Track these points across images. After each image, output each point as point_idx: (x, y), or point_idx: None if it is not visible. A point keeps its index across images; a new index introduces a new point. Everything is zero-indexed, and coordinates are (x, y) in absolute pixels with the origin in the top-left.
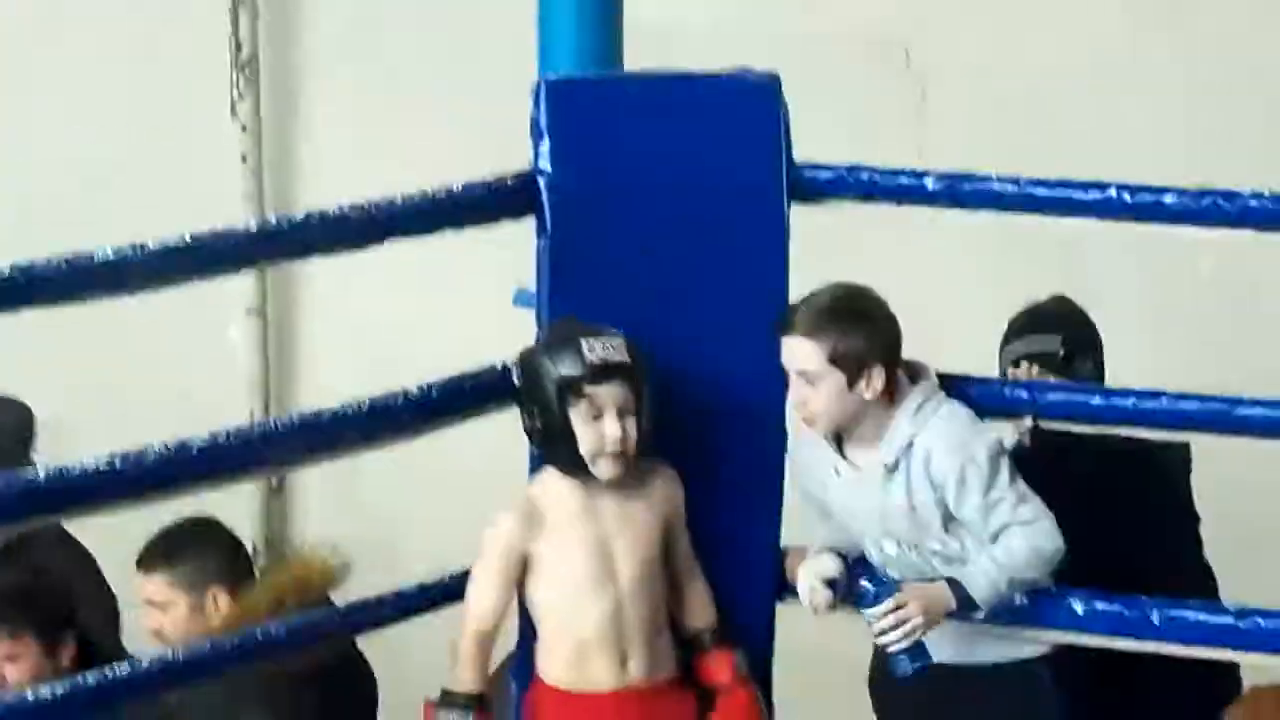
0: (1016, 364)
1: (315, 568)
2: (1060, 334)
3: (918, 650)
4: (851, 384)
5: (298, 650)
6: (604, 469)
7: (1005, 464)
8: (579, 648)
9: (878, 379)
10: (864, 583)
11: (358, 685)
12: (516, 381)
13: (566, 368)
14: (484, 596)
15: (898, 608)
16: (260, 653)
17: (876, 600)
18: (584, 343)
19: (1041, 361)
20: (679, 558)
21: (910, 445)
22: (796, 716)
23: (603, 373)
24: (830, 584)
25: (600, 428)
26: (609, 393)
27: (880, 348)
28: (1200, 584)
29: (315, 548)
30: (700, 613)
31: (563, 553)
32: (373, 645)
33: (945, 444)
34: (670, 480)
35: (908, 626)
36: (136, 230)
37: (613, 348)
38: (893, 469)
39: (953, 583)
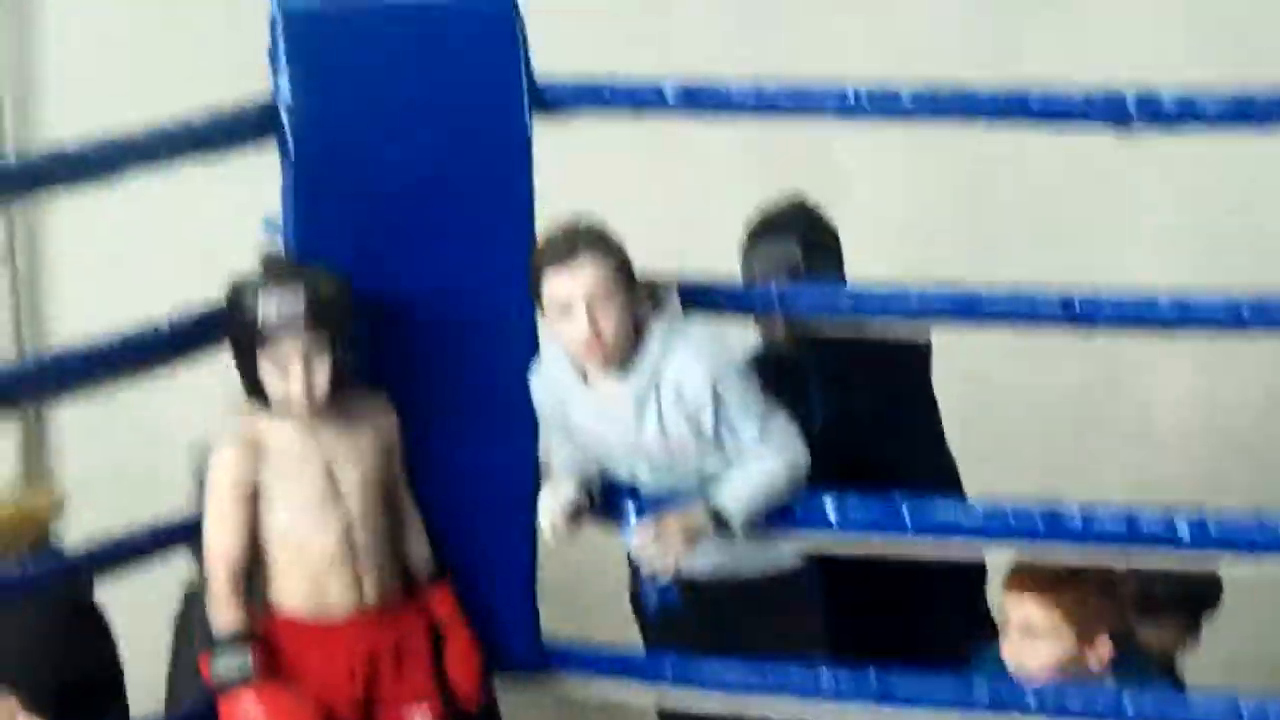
0: (752, 271)
1: (27, 506)
2: (794, 236)
3: (667, 586)
4: (631, 305)
5: (27, 592)
6: (297, 413)
7: (754, 381)
8: (314, 572)
9: (644, 297)
10: (629, 512)
11: (97, 636)
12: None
13: (250, 319)
14: (223, 534)
15: (658, 531)
16: None
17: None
18: (263, 297)
19: (779, 266)
20: (397, 488)
21: (659, 373)
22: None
23: (282, 327)
24: (574, 512)
25: (286, 380)
26: (292, 344)
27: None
28: (943, 474)
29: (28, 485)
30: (416, 545)
31: (289, 478)
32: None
33: (696, 369)
34: (385, 408)
35: (670, 546)
36: None
37: (292, 298)
38: (643, 400)
39: (707, 505)
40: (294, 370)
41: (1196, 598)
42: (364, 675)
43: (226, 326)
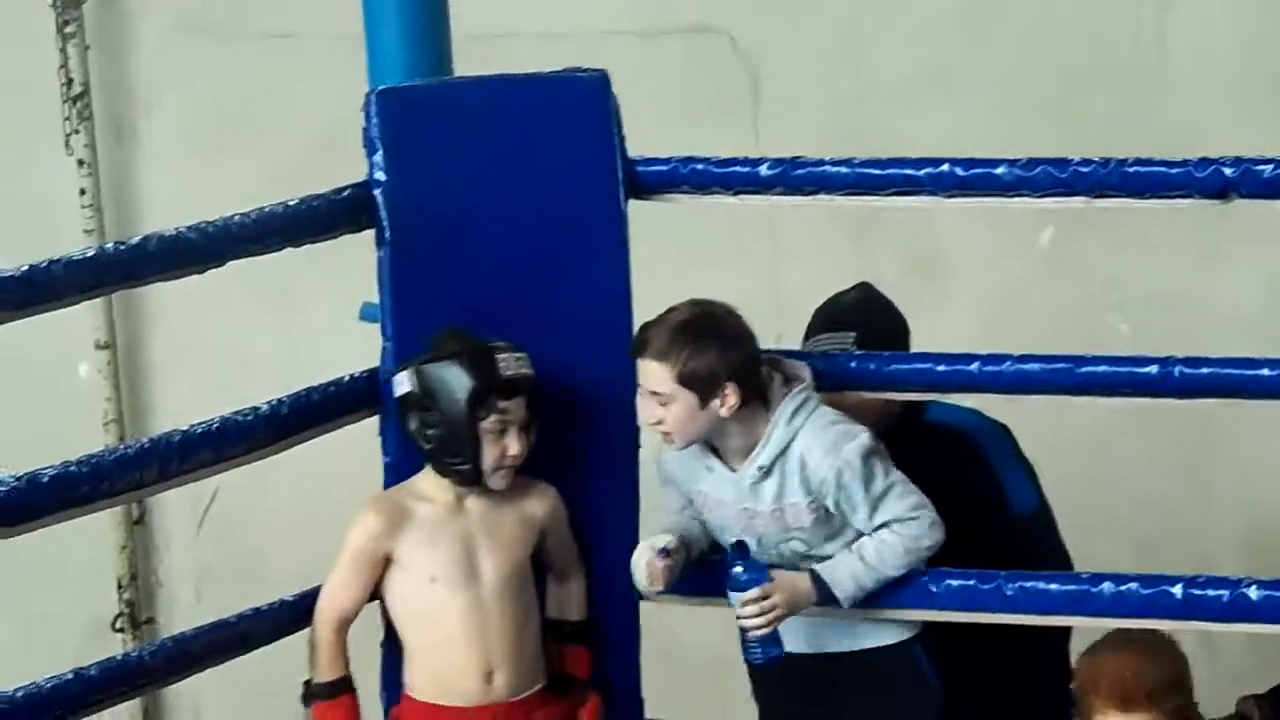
0: None
1: None
2: (855, 331)
3: (771, 640)
4: (704, 403)
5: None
6: (498, 481)
7: (880, 461)
8: (441, 651)
9: (732, 396)
10: (736, 568)
11: None
12: (412, 387)
13: (481, 380)
14: (343, 585)
15: (764, 596)
16: None
17: (744, 586)
18: (499, 358)
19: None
20: (561, 553)
21: (786, 450)
22: (664, 710)
23: (514, 389)
24: (664, 553)
25: (503, 443)
26: (516, 408)
27: (731, 366)
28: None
29: None
30: (573, 606)
31: (426, 551)
32: None
33: (820, 449)
34: (549, 498)
35: (770, 615)
36: None
37: (522, 362)
38: (767, 472)
39: (816, 577)
40: (512, 433)
41: None
42: None
43: (436, 388)
